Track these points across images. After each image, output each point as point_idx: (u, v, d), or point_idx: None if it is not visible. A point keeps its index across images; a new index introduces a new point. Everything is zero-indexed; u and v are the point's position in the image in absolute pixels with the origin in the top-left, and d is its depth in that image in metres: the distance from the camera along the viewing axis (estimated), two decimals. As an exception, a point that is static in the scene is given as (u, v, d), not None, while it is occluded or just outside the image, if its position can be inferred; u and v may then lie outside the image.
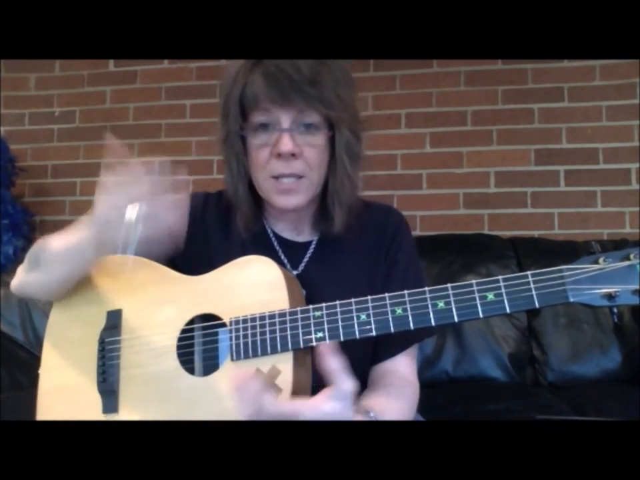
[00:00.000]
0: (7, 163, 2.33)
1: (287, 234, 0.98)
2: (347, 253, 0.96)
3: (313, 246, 0.97)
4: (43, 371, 0.95)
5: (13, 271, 1.01)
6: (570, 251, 1.88)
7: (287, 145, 0.84)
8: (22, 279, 0.94)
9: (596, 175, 2.22)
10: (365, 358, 0.93)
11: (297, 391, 0.77)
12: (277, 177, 0.88)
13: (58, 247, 0.87)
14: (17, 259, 2.19)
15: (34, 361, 1.03)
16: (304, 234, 0.98)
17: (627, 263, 0.68)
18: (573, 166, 2.23)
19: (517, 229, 2.23)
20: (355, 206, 0.93)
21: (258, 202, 0.95)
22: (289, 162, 0.86)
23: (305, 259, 0.96)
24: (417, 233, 2.25)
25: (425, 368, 1.82)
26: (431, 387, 1.77)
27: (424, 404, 1.05)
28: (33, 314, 2.00)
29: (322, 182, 0.91)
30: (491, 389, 1.73)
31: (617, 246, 0.71)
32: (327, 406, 0.66)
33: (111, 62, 2.57)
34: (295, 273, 0.95)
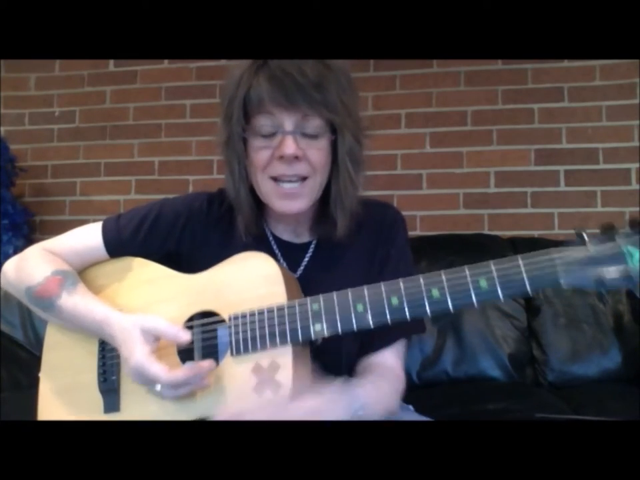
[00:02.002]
0: (7, 162, 2.33)
1: (287, 236, 0.98)
2: (346, 253, 0.96)
3: (311, 247, 0.97)
4: (44, 372, 0.95)
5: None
6: (570, 251, 1.87)
7: (290, 147, 0.84)
8: (10, 287, 0.98)
9: (596, 175, 2.21)
10: (350, 352, 0.93)
11: (297, 385, 0.78)
12: (276, 179, 0.87)
13: (69, 317, 0.90)
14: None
15: (34, 361, 1.03)
16: (303, 236, 0.98)
17: (614, 245, 0.69)
18: (572, 166, 2.23)
19: (517, 229, 2.23)
20: (356, 209, 0.93)
21: (259, 204, 0.95)
22: (291, 165, 0.86)
23: (304, 261, 0.96)
24: (417, 232, 2.24)
25: (425, 368, 1.82)
26: (431, 386, 1.77)
27: (424, 404, 1.05)
28: (33, 314, 1.99)
29: (324, 185, 0.91)
30: (491, 389, 1.72)
31: (604, 230, 0.72)
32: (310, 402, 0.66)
33: (111, 62, 2.56)
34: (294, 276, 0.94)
